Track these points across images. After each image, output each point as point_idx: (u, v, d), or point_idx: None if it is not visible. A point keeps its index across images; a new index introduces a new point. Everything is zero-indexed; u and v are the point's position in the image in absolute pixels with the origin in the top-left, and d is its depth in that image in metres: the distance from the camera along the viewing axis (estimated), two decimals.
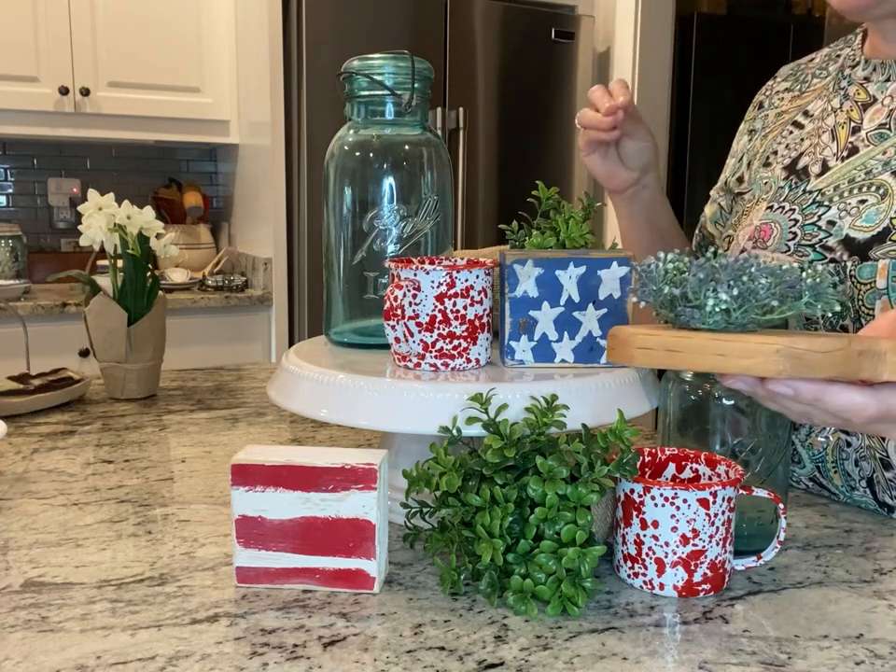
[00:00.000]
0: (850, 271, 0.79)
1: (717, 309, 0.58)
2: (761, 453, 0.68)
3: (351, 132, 0.83)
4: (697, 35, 3.66)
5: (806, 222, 0.84)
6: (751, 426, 0.68)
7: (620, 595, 0.62)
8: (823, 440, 0.64)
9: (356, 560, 0.61)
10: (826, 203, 0.83)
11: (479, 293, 0.72)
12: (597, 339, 0.74)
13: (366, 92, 0.81)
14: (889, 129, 0.83)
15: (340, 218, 0.82)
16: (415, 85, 0.80)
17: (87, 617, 0.58)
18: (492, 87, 2.82)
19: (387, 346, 0.74)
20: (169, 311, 1.28)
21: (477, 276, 0.72)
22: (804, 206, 0.85)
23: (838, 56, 0.94)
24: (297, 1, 2.55)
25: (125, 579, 0.64)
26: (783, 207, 0.87)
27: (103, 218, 1.17)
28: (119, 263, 1.18)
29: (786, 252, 0.85)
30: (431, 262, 0.75)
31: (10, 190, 3.00)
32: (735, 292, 0.57)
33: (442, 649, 0.54)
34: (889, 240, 0.77)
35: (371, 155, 0.81)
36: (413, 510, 0.67)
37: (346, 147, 0.82)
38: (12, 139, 2.89)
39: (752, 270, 0.58)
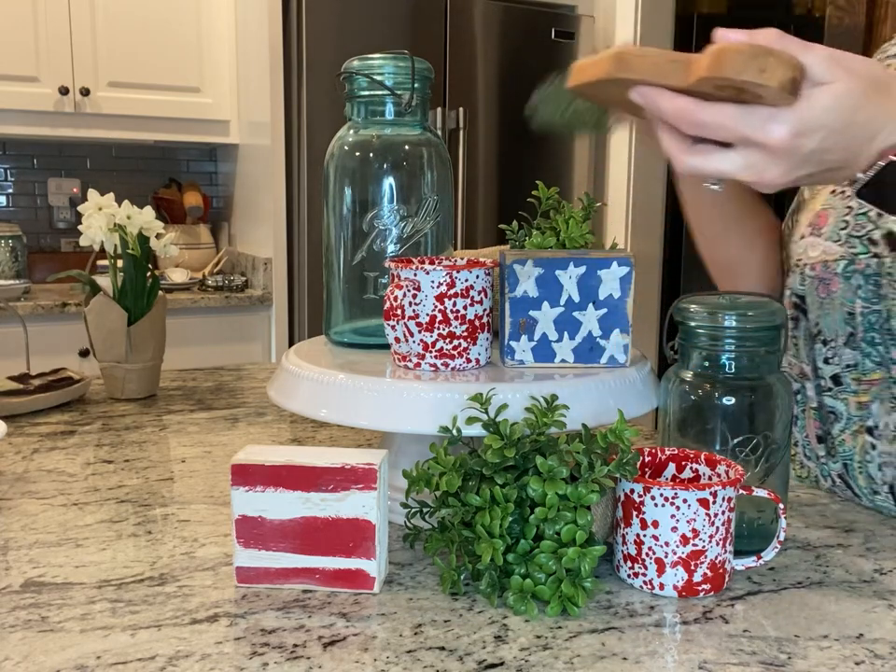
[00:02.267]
0: (888, 268, 0.76)
1: None
2: (761, 453, 0.68)
3: (351, 132, 0.83)
4: (697, 35, 3.66)
5: (860, 210, 0.80)
6: (751, 426, 0.68)
7: (620, 594, 0.62)
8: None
9: (356, 560, 0.61)
10: None
11: (479, 293, 0.72)
12: (597, 339, 0.74)
13: (366, 92, 0.81)
14: None
15: (340, 218, 0.82)
16: (415, 85, 0.80)
17: (87, 617, 0.58)
18: (492, 87, 2.82)
19: (387, 346, 0.74)
20: (169, 311, 1.28)
21: (477, 276, 0.72)
22: None
23: None
24: (297, 1, 2.55)
25: (125, 579, 0.64)
26: (843, 192, 0.83)
27: (103, 218, 1.17)
28: (119, 263, 1.18)
29: (836, 242, 0.81)
30: (431, 262, 0.75)
31: (10, 190, 3.00)
32: None
33: (442, 649, 0.54)
34: None
35: (371, 155, 0.81)
36: (413, 510, 0.67)
37: (346, 147, 0.82)
38: (12, 139, 2.89)
39: None
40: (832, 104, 0.54)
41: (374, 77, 0.79)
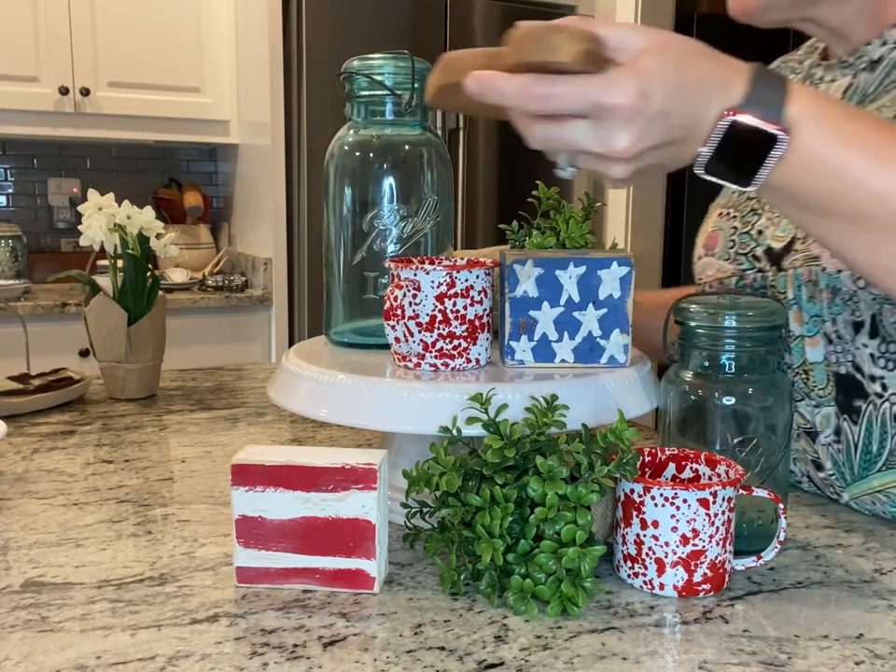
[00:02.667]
0: (771, 281, 0.80)
1: None
2: (760, 453, 0.68)
3: (351, 132, 0.83)
4: (697, 35, 3.64)
5: (743, 230, 0.84)
6: (751, 426, 0.68)
7: (620, 595, 0.62)
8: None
9: (356, 560, 0.61)
10: (759, 210, 0.83)
11: (479, 293, 0.72)
12: (597, 339, 0.74)
13: (366, 92, 0.81)
14: None
15: (340, 218, 0.82)
16: (415, 85, 0.80)
17: (87, 617, 0.58)
18: None
19: (387, 346, 0.74)
20: (169, 311, 1.28)
21: (477, 276, 0.72)
22: (743, 214, 0.85)
23: (815, 49, 0.90)
24: (297, 1, 2.55)
25: (125, 579, 0.64)
26: (728, 213, 0.87)
27: (103, 218, 1.17)
28: (119, 263, 1.18)
29: (727, 260, 0.85)
30: (431, 262, 0.75)
31: (10, 190, 3.00)
32: None
33: (442, 649, 0.54)
34: (794, 249, 0.77)
35: (371, 155, 0.81)
36: (413, 510, 0.67)
37: (346, 147, 0.82)
38: (12, 139, 2.89)
39: None
40: (659, 63, 0.53)
41: (374, 77, 0.79)
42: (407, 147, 0.82)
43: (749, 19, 0.79)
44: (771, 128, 0.54)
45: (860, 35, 0.78)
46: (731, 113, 0.54)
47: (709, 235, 0.90)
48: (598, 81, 0.53)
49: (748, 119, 0.54)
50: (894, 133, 0.57)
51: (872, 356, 0.72)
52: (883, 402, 0.72)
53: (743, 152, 0.55)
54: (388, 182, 0.80)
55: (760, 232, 0.82)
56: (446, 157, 0.84)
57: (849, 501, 0.78)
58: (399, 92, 0.80)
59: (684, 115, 0.55)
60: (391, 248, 0.81)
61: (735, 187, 0.58)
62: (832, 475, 0.78)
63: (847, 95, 0.79)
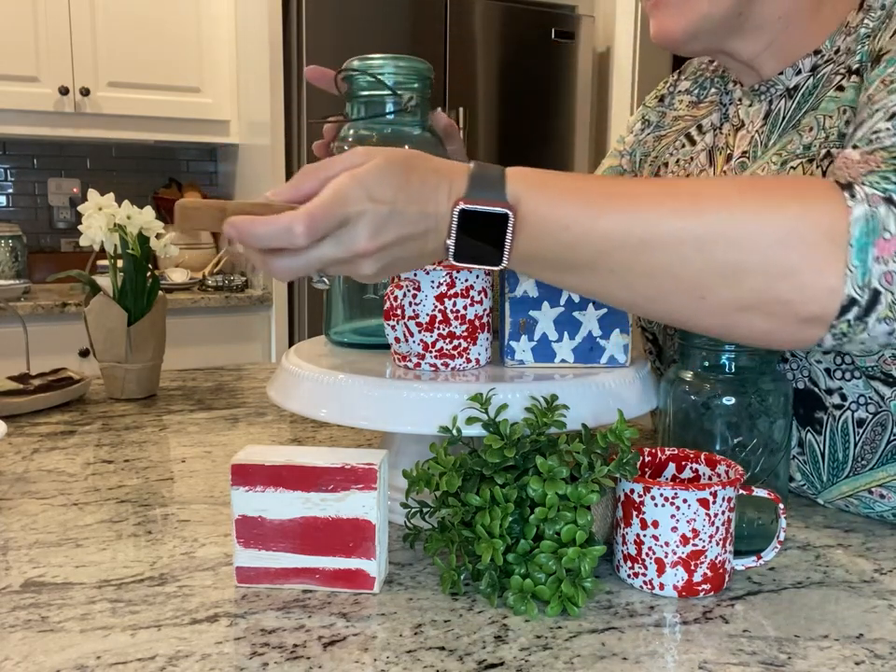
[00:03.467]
0: None
1: None
2: (760, 453, 0.69)
3: (351, 131, 0.82)
4: None
5: None
6: (751, 426, 0.68)
7: (620, 595, 0.62)
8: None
9: (356, 560, 0.61)
10: None
11: (479, 293, 0.72)
12: (597, 339, 0.74)
13: (366, 92, 0.81)
14: (749, 158, 0.82)
15: None
16: (415, 85, 0.80)
17: (87, 617, 0.58)
18: (492, 87, 2.82)
19: (387, 346, 0.74)
20: (169, 311, 1.28)
21: (477, 276, 0.72)
22: None
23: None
24: (297, 1, 2.55)
25: (125, 579, 0.64)
26: None
27: (103, 218, 1.17)
28: (119, 263, 1.18)
29: None
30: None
31: (10, 190, 3.00)
32: None
33: (442, 649, 0.54)
34: None
35: (373, 144, 0.81)
36: (413, 510, 0.67)
37: (346, 147, 0.82)
38: (12, 139, 2.89)
39: None
40: (380, 167, 0.58)
41: (374, 76, 0.79)
42: (406, 146, 0.82)
43: (672, 46, 0.80)
44: (497, 208, 0.59)
45: (769, 69, 0.81)
46: (459, 202, 0.59)
47: None
48: (324, 196, 0.56)
49: (474, 206, 0.59)
50: (606, 183, 0.65)
51: (827, 370, 0.73)
52: (844, 412, 0.73)
53: (482, 235, 0.60)
54: None
55: None
56: (446, 157, 0.84)
57: (825, 504, 0.79)
58: (399, 92, 0.80)
59: (416, 209, 0.58)
60: None
61: (489, 268, 0.62)
62: (802, 485, 0.79)
63: (768, 120, 0.82)
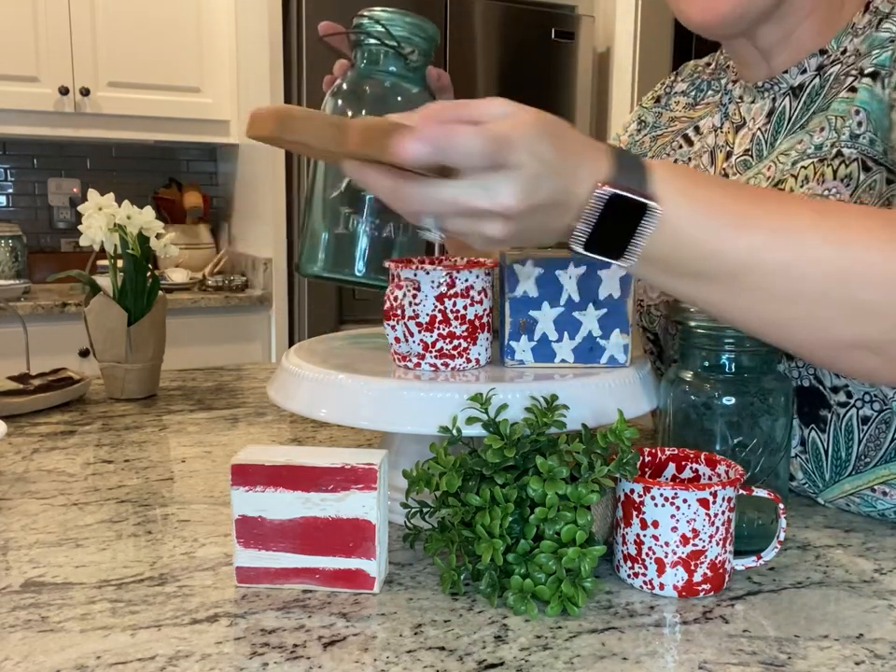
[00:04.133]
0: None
1: None
2: (761, 453, 0.68)
3: (348, 75, 0.84)
4: (697, 35, 3.66)
5: None
6: (752, 425, 0.68)
7: (620, 594, 0.62)
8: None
9: (356, 560, 0.61)
10: None
11: (479, 293, 0.72)
12: (597, 339, 0.74)
13: (373, 41, 0.82)
14: (752, 156, 0.82)
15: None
16: (419, 41, 0.81)
17: (87, 617, 0.58)
18: (492, 87, 2.82)
19: (363, 285, 0.77)
20: (169, 311, 1.28)
21: (477, 276, 0.72)
22: None
23: (728, 66, 0.92)
24: (297, 1, 2.55)
25: (125, 579, 0.64)
26: None
27: (103, 218, 1.17)
28: (119, 263, 1.18)
29: None
30: (431, 262, 0.75)
31: (10, 190, 3.00)
32: None
33: (442, 649, 0.54)
34: None
35: (368, 99, 0.81)
36: (413, 510, 0.67)
37: (345, 87, 0.83)
38: (12, 139, 2.89)
39: None
40: (537, 124, 0.53)
41: (384, 25, 0.80)
42: (399, 98, 0.82)
43: (712, 27, 0.78)
44: (645, 199, 0.55)
45: (778, 62, 0.81)
46: (604, 185, 0.54)
47: None
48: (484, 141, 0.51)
49: (623, 192, 0.54)
50: (751, 194, 0.59)
51: None
52: (849, 409, 0.73)
53: (616, 225, 0.55)
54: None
55: None
56: None
57: (825, 504, 0.79)
58: (404, 46, 0.81)
59: (563, 181, 0.54)
60: None
61: (612, 262, 0.58)
62: (803, 483, 0.79)
63: (772, 119, 0.81)
